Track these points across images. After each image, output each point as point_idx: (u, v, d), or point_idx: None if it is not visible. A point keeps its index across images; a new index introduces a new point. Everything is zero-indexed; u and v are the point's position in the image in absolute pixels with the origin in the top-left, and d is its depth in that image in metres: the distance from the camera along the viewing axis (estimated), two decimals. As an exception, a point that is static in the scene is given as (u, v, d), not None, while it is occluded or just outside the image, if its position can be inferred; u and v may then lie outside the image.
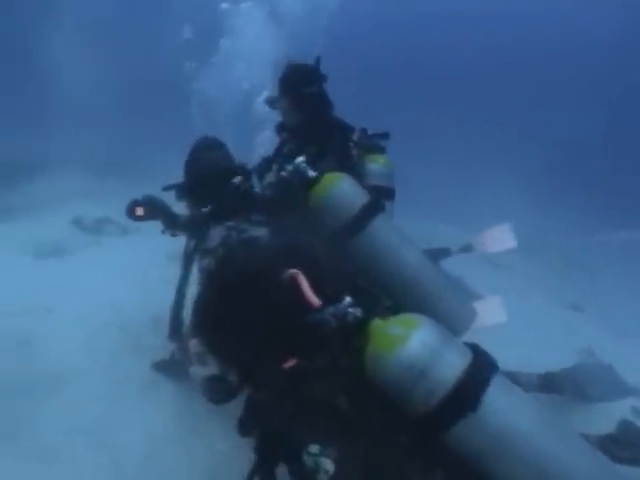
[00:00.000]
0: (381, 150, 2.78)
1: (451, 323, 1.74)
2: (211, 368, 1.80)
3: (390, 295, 1.80)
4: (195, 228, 2.37)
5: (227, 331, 1.45)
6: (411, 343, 1.30)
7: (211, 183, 2.28)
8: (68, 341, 3.08)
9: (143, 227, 5.45)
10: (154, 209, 2.73)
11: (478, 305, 2.06)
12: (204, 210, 2.31)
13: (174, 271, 4.30)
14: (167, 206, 2.74)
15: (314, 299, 1.38)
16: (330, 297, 1.40)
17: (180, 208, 2.65)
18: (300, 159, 2.02)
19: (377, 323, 1.41)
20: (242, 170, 2.41)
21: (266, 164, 2.80)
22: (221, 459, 2.41)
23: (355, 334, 1.39)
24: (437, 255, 2.77)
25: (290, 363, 1.38)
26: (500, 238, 2.98)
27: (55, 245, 4.87)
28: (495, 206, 6.92)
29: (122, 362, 2.99)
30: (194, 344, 1.87)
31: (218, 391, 1.78)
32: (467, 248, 2.97)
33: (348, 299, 1.41)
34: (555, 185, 8.75)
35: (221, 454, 2.43)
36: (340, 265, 1.78)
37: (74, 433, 2.49)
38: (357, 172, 2.63)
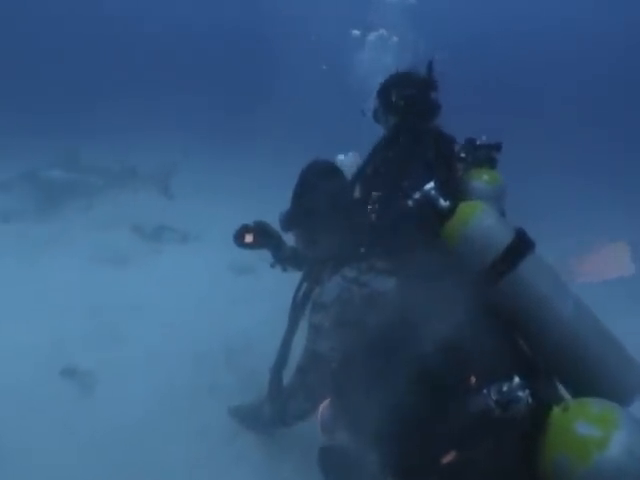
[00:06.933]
0: (491, 164, 2.41)
1: (616, 389, 1.43)
2: (339, 438, 1.54)
3: (541, 354, 1.48)
4: (307, 268, 2.03)
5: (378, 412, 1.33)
6: (612, 452, 1.04)
7: (329, 218, 1.92)
8: (138, 383, 2.85)
9: (202, 235, 5.26)
10: (265, 237, 2.50)
11: None
12: (318, 252, 1.97)
13: (241, 288, 3.95)
14: (279, 236, 2.50)
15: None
16: (493, 376, 1.13)
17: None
18: (430, 186, 1.67)
19: (558, 416, 1.09)
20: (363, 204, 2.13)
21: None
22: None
23: (528, 425, 1.09)
24: None
25: (449, 457, 1.13)
26: (611, 260, 2.50)
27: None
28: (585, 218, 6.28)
29: (199, 408, 2.76)
30: (325, 411, 1.61)
31: (338, 465, 1.50)
32: None
33: (517, 380, 1.12)
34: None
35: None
36: (505, 337, 1.52)
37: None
38: (461, 191, 2.31)
